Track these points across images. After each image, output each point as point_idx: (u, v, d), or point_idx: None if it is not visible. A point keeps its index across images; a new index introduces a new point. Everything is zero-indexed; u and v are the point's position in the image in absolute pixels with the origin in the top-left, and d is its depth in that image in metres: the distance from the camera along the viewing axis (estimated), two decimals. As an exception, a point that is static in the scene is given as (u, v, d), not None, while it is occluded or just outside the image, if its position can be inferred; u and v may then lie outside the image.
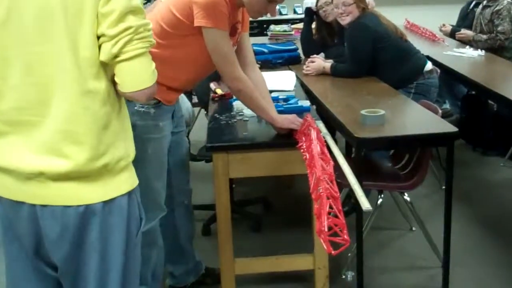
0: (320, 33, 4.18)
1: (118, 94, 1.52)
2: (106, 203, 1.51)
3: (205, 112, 4.30)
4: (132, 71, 1.46)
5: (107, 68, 1.47)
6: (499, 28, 4.69)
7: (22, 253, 1.59)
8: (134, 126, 2.34)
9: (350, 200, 3.43)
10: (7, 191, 1.53)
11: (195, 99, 4.28)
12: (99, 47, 1.44)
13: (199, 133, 4.47)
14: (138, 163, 2.40)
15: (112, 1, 1.40)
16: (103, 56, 1.42)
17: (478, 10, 4.98)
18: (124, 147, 1.55)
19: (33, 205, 1.50)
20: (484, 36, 4.76)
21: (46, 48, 1.41)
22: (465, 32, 4.97)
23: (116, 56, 1.42)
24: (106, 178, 1.51)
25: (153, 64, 1.50)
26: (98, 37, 1.43)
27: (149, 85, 1.49)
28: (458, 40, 4.97)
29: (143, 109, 2.37)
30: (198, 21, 2.25)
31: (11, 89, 1.44)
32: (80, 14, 1.40)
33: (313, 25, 4.26)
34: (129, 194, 1.58)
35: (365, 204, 1.74)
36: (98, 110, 1.45)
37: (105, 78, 1.47)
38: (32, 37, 1.41)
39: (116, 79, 1.47)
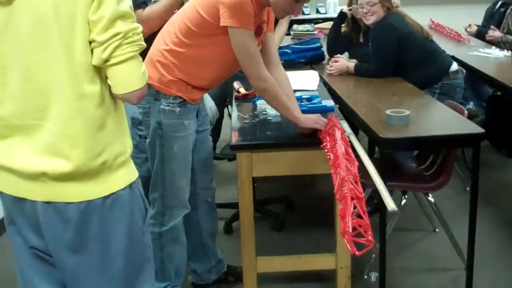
0: (348, 30, 4.14)
1: (113, 96, 1.57)
2: (106, 198, 1.56)
3: (228, 112, 4.33)
4: (122, 75, 1.51)
5: (102, 71, 1.52)
6: None
7: (25, 245, 1.65)
8: (160, 125, 2.41)
9: (372, 201, 3.42)
10: (9, 188, 1.59)
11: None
12: (92, 52, 1.49)
13: (222, 132, 4.48)
14: (164, 160, 2.45)
15: (101, 8, 1.45)
16: (95, 61, 1.48)
17: (508, 11, 4.91)
18: (121, 144, 1.60)
19: (35, 202, 1.55)
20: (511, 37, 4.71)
21: (41, 56, 1.46)
22: (493, 35, 4.91)
23: (106, 60, 1.48)
24: (106, 174, 1.56)
25: (143, 67, 1.55)
26: (90, 43, 1.48)
27: (139, 87, 1.54)
28: (487, 42, 4.92)
29: (168, 107, 2.39)
30: (224, 21, 2.25)
31: (11, 96, 1.50)
32: (72, 22, 1.45)
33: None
34: (130, 186, 1.62)
35: (390, 205, 1.74)
36: (94, 112, 1.51)
37: (100, 81, 1.52)
38: (28, 46, 1.46)
39: (108, 81, 1.53)
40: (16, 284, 1.74)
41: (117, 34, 1.46)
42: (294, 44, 4.29)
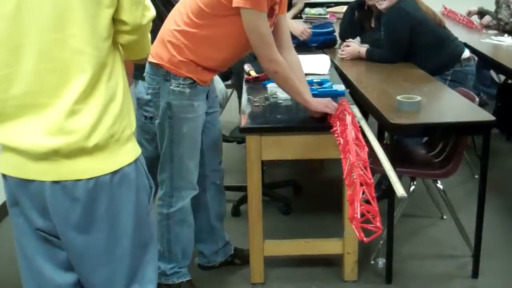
0: (359, 16, 4.12)
1: (120, 66, 1.58)
2: (114, 173, 1.56)
3: (237, 94, 4.31)
4: (148, 41, 1.67)
5: (115, 43, 1.55)
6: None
7: (29, 227, 1.64)
8: (170, 106, 2.41)
9: (380, 186, 3.41)
10: (16, 170, 1.57)
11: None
12: (115, 20, 1.52)
13: (231, 114, 4.48)
14: (173, 142, 2.45)
15: None
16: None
17: None
18: (128, 117, 1.60)
19: (43, 182, 1.54)
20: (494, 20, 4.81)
21: (64, 34, 1.45)
22: (482, 21, 4.98)
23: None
24: (114, 148, 1.56)
25: None
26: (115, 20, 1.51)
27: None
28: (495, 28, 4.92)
29: (178, 88, 2.38)
30: (236, 2, 2.24)
31: (25, 75, 1.48)
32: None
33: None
34: (136, 163, 1.62)
35: (400, 191, 1.74)
36: (106, 84, 1.52)
37: (113, 53, 1.54)
38: (49, 25, 1.44)
39: (132, 50, 1.63)
40: (17, 266, 1.73)
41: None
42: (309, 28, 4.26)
